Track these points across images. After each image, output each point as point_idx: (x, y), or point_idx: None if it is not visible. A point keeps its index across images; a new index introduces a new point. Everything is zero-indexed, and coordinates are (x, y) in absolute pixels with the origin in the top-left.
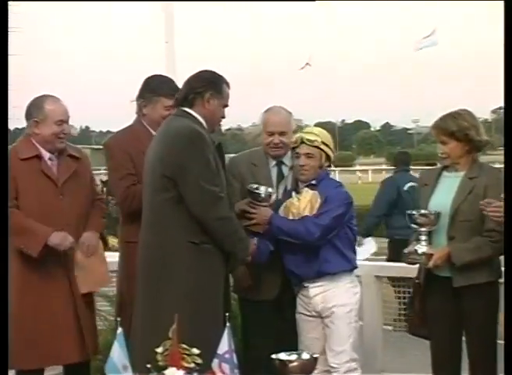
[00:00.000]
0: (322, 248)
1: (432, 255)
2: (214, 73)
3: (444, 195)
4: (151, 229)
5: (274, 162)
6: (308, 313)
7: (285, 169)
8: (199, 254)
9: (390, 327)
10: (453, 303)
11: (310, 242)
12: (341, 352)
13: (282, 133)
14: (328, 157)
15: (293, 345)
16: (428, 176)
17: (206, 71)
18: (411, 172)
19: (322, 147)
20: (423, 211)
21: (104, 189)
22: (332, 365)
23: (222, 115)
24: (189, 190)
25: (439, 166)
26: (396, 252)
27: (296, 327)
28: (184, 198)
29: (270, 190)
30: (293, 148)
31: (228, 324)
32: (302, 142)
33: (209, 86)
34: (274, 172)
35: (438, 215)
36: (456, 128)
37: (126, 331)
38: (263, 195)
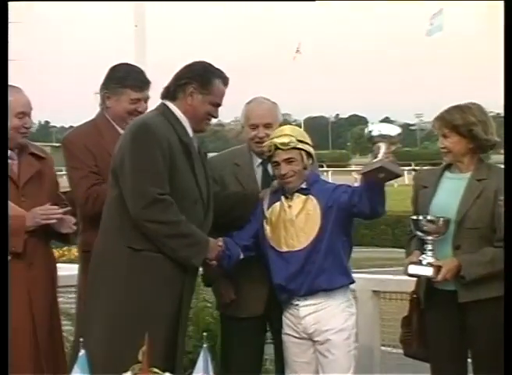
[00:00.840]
0: (322, 257)
1: (439, 267)
2: (207, 65)
3: (448, 199)
4: (100, 232)
5: (259, 161)
6: (297, 335)
7: (271, 169)
8: (138, 262)
9: (389, 348)
10: (457, 320)
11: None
12: None
13: (267, 126)
14: (309, 154)
15: (281, 367)
16: (427, 177)
17: (198, 62)
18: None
19: (300, 146)
20: (430, 217)
21: None
22: None
23: (210, 113)
24: (124, 188)
25: (440, 166)
26: None
27: (283, 349)
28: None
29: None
30: (269, 158)
31: (204, 345)
32: (276, 148)
33: (194, 79)
34: (259, 172)
35: (447, 222)
36: (461, 122)
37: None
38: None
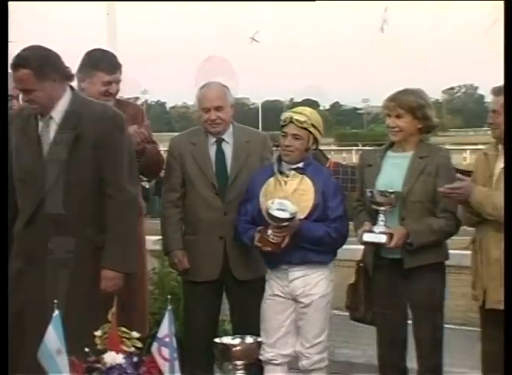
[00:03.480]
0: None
1: (391, 234)
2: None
3: (393, 175)
4: None
5: (214, 140)
6: (283, 295)
7: (225, 147)
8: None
9: (336, 311)
10: (401, 286)
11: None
12: (318, 343)
13: (218, 108)
14: (315, 140)
15: (236, 325)
16: (370, 156)
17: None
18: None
19: (311, 129)
20: (382, 189)
21: None
22: (306, 354)
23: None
24: None
25: (382, 146)
26: None
27: (262, 309)
28: None
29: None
30: (282, 127)
31: (169, 307)
32: (291, 121)
33: None
34: (213, 150)
35: (398, 194)
36: (416, 104)
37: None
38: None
